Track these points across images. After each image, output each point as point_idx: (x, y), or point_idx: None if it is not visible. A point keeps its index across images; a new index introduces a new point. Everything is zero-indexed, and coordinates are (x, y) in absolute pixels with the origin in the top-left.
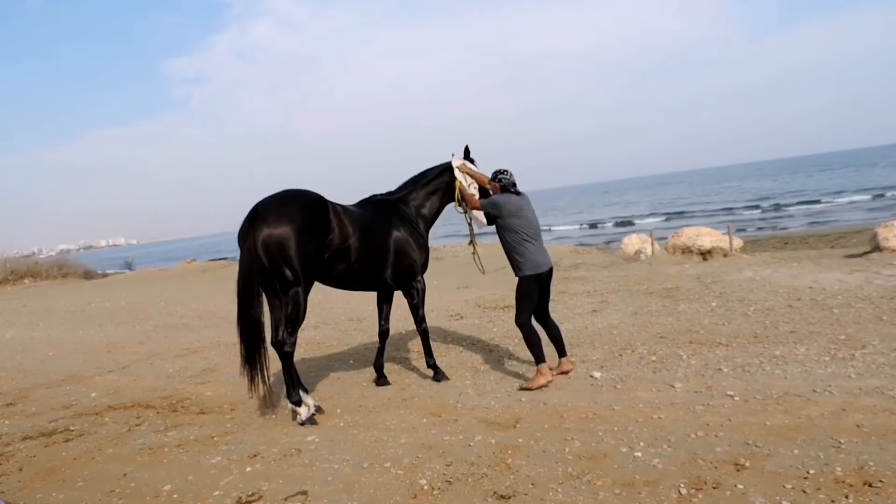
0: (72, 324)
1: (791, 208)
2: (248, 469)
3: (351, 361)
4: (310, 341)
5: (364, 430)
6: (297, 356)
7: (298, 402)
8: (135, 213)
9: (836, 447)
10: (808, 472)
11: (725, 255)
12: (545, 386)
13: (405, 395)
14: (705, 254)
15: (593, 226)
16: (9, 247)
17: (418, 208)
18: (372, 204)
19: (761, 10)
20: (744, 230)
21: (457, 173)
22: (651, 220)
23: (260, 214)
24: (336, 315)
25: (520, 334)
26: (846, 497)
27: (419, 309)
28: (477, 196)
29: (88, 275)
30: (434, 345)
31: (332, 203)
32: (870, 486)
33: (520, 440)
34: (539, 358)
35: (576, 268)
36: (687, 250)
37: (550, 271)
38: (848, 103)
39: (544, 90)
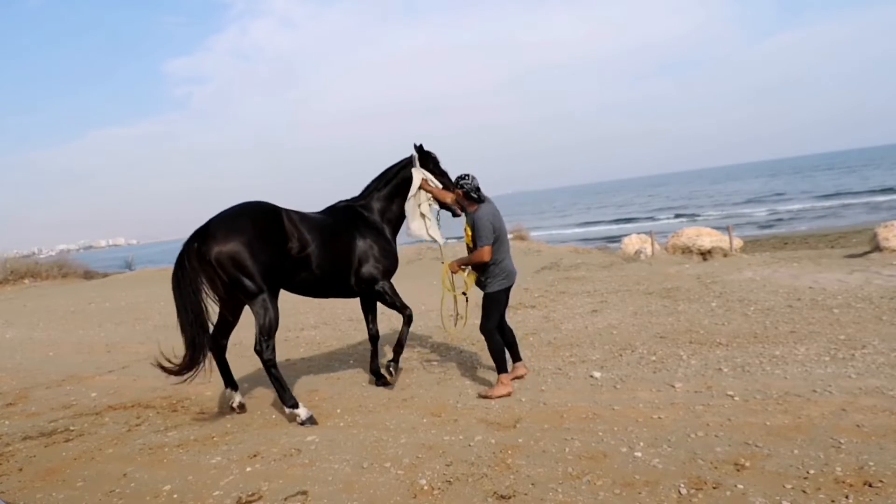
0: (72, 324)
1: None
2: (248, 469)
3: (351, 361)
4: (310, 341)
5: (364, 430)
6: (297, 356)
7: (295, 405)
8: (135, 213)
9: (836, 447)
10: (808, 472)
11: (725, 255)
12: (505, 396)
13: (405, 395)
14: (705, 254)
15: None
16: (9, 247)
17: (383, 212)
18: (336, 211)
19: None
20: (743, 229)
21: (413, 191)
22: (636, 224)
23: (210, 232)
24: (336, 315)
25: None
26: (846, 497)
27: (395, 302)
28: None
29: (88, 275)
30: (434, 344)
31: (288, 212)
32: (870, 486)
33: (520, 440)
34: (501, 367)
35: (576, 268)
36: (687, 250)
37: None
38: (848, 104)
39: (545, 91)
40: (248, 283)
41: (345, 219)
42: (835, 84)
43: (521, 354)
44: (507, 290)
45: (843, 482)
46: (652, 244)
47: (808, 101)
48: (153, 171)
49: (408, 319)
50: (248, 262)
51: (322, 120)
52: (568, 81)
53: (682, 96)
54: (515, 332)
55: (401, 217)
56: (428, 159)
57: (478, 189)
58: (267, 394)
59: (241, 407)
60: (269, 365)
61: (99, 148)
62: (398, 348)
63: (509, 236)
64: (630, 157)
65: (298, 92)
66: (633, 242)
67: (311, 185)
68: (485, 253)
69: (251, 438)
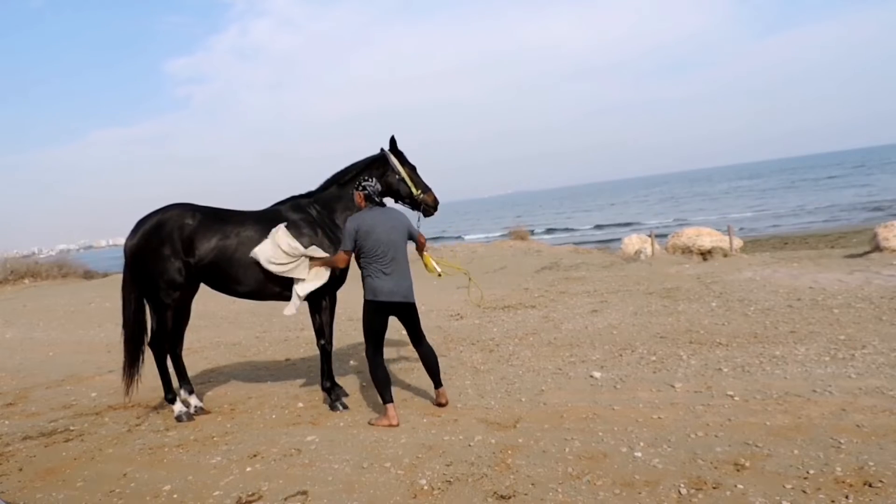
0: (72, 324)
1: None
2: (248, 469)
3: (351, 362)
4: (310, 341)
5: (364, 430)
6: (297, 355)
7: (172, 400)
8: (135, 213)
9: (836, 447)
10: (808, 472)
11: (725, 255)
12: (387, 427)
13: (405, 395)
14: (705, 254)
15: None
16: (9, 247)
17: (333, 210)
18: (274, 210)
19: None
20: (743, 229)
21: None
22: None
23: (132, 229)
24: (336, 315)
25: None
26: (846, 497)
27: (324, 321)
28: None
29: (88, 275)
30: (434, 345)
31: (196, 215)
32: (870, 486)
33: (520, 440)
34: (384, 397)
35: (576, 268)
36: (687, 250)
37: (404, 306)
38: (844, 104)
39: (547, 94)
40: (144, 284)
41: (277, 219)
42: (836, 84)
43: (441, 380)
44: (378, 308)
45: (843, 482)
46: (652, 244)
47: (806, 102)
48: (154, 171)
49: (322, 351)
50: (141, 266)
51: (323, 120)
52: (569, 85)
53: (683, 97)
54: (515, 332)
55: None
56: (395, 151)
57: (378, 193)
58: (266, 395)
59: (200, 409)
60: (156, 359)
61: (100, 147)
62: (324, 379)
63: (507, 237)
64: (625, 159)
65: (299, 92)
66: (633, 242)
67: (312, 184)
68: (338, 259)
69: (251, 438)
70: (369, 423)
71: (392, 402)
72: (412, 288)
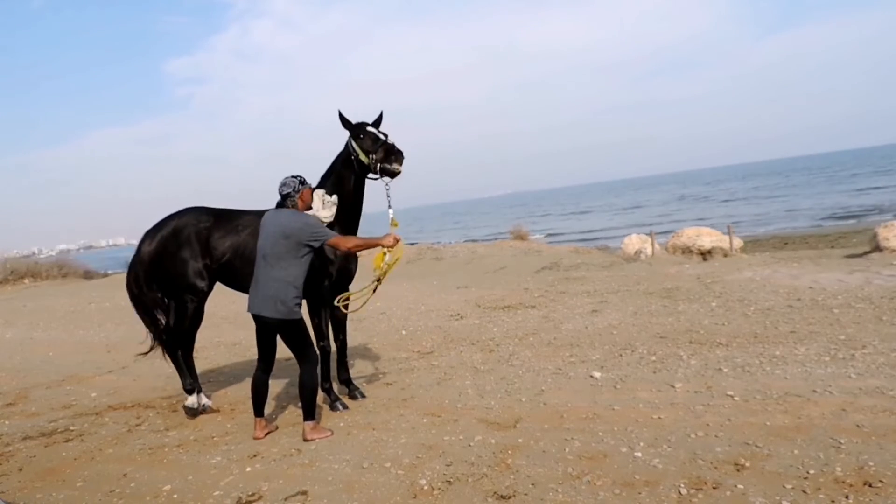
0: (72, 324)
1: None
2: (248, 469)
3: (351, 362)
4: None
5: (364, 430)
6: None
7: (190, 391)
8: (135, 213)
9: (836, 447)
10: (808, 472)
11: (725, 255)
12: (258, 438)
13: (405, 395)
14: (705, 254)
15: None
16: (9, 247)
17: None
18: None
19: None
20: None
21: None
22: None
23: (145, 233)
24: None
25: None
26: (846, 497)
27: (320, 324)
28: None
29: (88, 275)
30: (434, 345)
31: (211, 217)
32: (870, 486)
33: (520, 440)
34: (254, 410)
35: (576, 268)
36: (687, 250)
37: (263, 320)
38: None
39: (546, 95)
40: (162, 285)
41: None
42: (837, 84)
43: (314, 414)
44: (254, 320)
45: (843, 482)
46: (652, 244)
47: (807, 102)
48: (154, 171)
49: (322, 352)
50: (157, 269)
51: (323, 120)
52: (568, 86)
53: (677, 96)
54: (515, 332)
55: (349, 212)
56: (358, 130)
57: (283, 193)
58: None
59: (206, 408)
60: (169, 354)
61: (100, 147)
62: (323, 381)
63: (507, 237)
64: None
65: (299, 92)
66: (633, 242)
67: (312, 183)
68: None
69: (251, 438)
70: (254, 437)
71: (261, 416)
72: (275, 301)
